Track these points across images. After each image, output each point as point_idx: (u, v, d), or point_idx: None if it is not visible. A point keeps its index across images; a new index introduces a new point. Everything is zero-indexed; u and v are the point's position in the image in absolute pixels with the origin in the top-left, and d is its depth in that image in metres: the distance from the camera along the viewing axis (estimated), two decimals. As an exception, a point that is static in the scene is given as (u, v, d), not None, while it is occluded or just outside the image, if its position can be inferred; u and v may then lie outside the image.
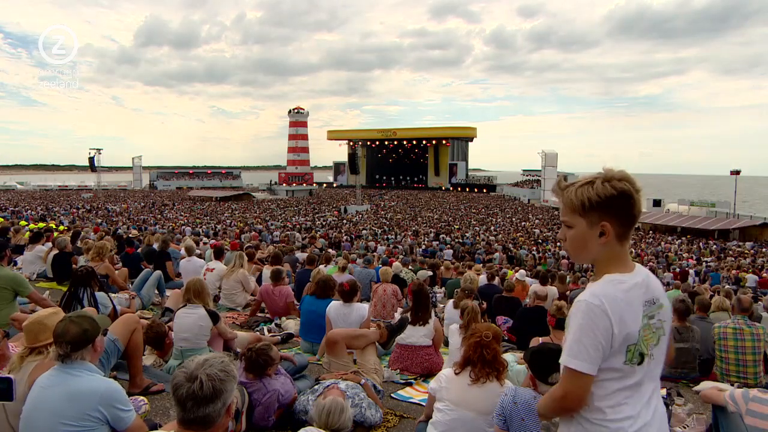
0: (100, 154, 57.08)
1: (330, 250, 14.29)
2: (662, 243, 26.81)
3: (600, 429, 1.40)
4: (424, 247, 21.07)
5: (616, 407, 1.39)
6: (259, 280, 7.44)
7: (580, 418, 1.44)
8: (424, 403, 3.38)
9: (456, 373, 2.70)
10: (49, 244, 7.98)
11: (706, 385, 3.21)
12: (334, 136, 75.22)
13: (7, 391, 2.13)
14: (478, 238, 25.59)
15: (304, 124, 72.87)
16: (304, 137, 72.43)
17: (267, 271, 7.52)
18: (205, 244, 13.40)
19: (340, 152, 79.56)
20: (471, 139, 70.90)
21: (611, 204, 1.38)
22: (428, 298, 4.71)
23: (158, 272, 6.67)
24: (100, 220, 26.40)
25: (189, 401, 1.56)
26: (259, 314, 6.29)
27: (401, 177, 72.23)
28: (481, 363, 2.65)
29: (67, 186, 65.81)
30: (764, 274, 16.32)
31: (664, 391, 4.13)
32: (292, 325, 5.61)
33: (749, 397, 2.76)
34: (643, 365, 1.41)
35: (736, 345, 4.46)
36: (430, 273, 8.87)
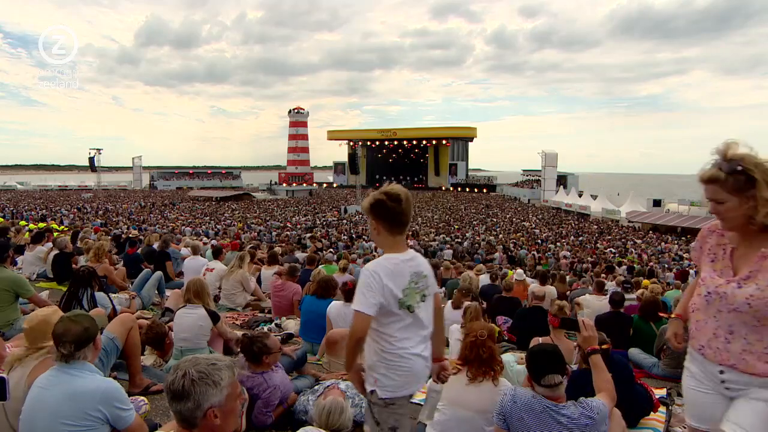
0: (100, 154, 57.13)
1: (331, 250, 14.31)
2: (662, 243, 26.81)
3: (390, 347, 2.06)
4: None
5: (400, 339, 2.07)
6: (259, 280, 7.44)
7: (380, 346, 2.08)
8: (423, 403, 3.38)
9: (453, 374, 2.71)
10: (50, 244, 7.99)
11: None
12: (334, 136, 75.22)
13: (1, 391, 2.12)
14: (478, 238, 25.59)
15: (304, 124, 72.89)
16: (304, 137, 72.46)
17: (266, 271, 7.52)
18: (205, 244, 13.40)
19: (340, 152, 79.74)
20: (471, 139, 70.93)
21: (373, 210, 2.08)
22: None
23: (159, 273, 6.67)
24: (100, 220, 26.40)
25: (168, 393, 1.56)
26: (260, 314, 6.30)
27: (401, 177, 72.18)
28: (478, 362, 2.65)
29: (67, 186, 65.83)
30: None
31: (663, 391, 4.13)
32: (292, 325, 5.61)
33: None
34: (413, 313, 2.08)
35: None
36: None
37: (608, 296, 6.01)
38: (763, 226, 1.83)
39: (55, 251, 7.16)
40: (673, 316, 2.33)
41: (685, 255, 22.50)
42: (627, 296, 7.34)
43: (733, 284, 1.89)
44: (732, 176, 1.83)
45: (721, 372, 1.91)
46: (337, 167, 77.93)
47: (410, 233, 26.54)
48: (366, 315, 2.02)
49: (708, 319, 1.97)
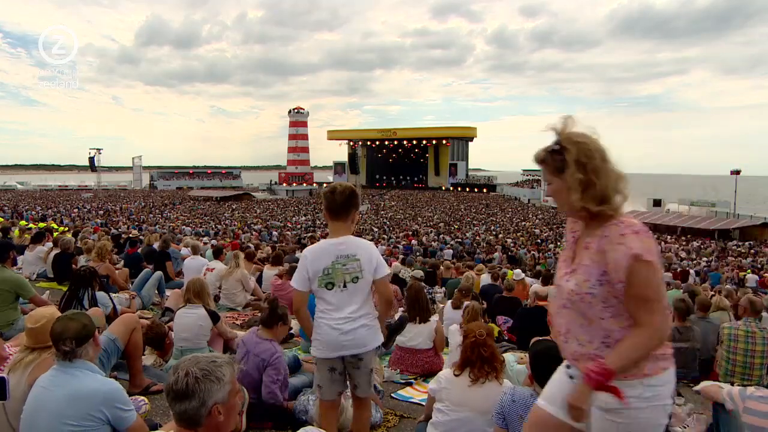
0: (100, 154, 57.17)
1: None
2: (662, 243, 26.80)
3: (317, 317, 2.48)
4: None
5: (322, 311, 2.46)
6: (259, 280, 7.44)
7: (315, 316, 2.50)
8: (424, 403, 3.38)
9: (456, 375, 2.71)
10: (50, 244, 7.98)
11: (705, 384, 3.21)
12: (334, 136, 75.11)
13: (1, 391, 2.12)
14: (478, 238, 25.59)
15: (304, 124, 72.83)
16: (304, 137, 72.39)
17: (269, 271, 7.52)
18: (205, 244, 13.39)
19: (340, 152, 79.50)
20: (471, 139, 70.81)
21: (322, 201, 2.53)
22: (420, 294, 4.68)
23: (159, 272, 6.67)
24: (100, 220, 26.40)
25: (169, 394, 1.54)
26: (260, 314, 6.29)
27: (401, 177, 72.13)
28: (480, 362, 2.65)
29: (67, 186, 65.74)
30: (765, 275, 16.31)
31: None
32: (292, 324, 5.61)
33: (746, 395, 2.77)
34: (335, 291, 2.42)
35: (746, 348, 4.37)
36: (421, 273, 8.88)
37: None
38: (595, 212, 1.62)
39: (56, 251, 7.16)
40: None
41: (684, 255, 22.50)
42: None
43: (565, 277, 1.71)
44: (551, 155, 1.66)
45: (568, 367, 1.76)
46: (337, 167, 77.83)
47: (410, 233, 26.54)
48: (299, 290, 2.46)
49: (555, 313, 1.80)
